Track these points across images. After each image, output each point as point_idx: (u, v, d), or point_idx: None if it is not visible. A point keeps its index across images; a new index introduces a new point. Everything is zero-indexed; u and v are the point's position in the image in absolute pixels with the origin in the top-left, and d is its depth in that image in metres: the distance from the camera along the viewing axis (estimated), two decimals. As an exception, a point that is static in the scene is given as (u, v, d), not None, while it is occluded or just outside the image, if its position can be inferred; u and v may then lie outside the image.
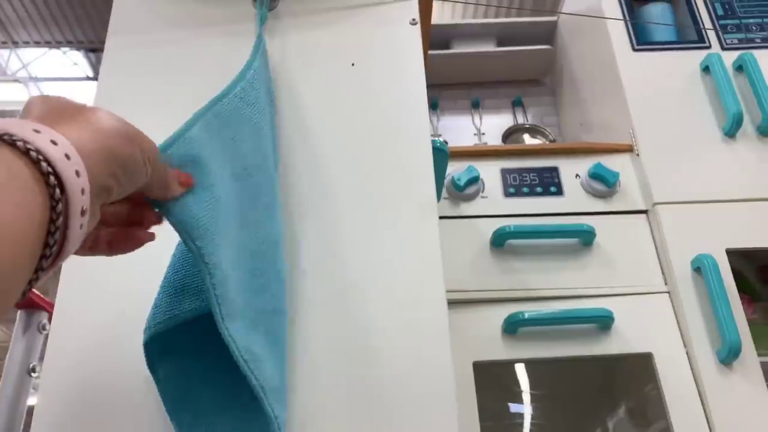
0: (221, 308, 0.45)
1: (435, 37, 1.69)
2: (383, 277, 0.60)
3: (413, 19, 0.76)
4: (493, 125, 1.67)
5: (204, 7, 0.76)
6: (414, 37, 0.75)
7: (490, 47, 1.67)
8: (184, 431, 0.50)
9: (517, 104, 1.69)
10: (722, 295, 1.01)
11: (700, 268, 1.05)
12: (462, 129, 1.67)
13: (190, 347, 0.51)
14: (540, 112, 1.69)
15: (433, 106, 1.68)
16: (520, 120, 1.67)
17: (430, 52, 1.65)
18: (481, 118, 1.68)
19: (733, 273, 1.07)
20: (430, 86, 1.77)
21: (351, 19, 0.75)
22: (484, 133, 1.66)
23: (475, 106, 1.69)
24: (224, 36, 0.74)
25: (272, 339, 0.51)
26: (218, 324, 0.45)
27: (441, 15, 3.68)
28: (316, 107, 0.70)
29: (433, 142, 0.86)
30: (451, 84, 1.71)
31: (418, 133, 0.70)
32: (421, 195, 0.66)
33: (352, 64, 0.72)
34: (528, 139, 1.57)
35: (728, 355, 0.98)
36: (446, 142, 1.60)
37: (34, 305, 1.35)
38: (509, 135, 1.60)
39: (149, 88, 0.71)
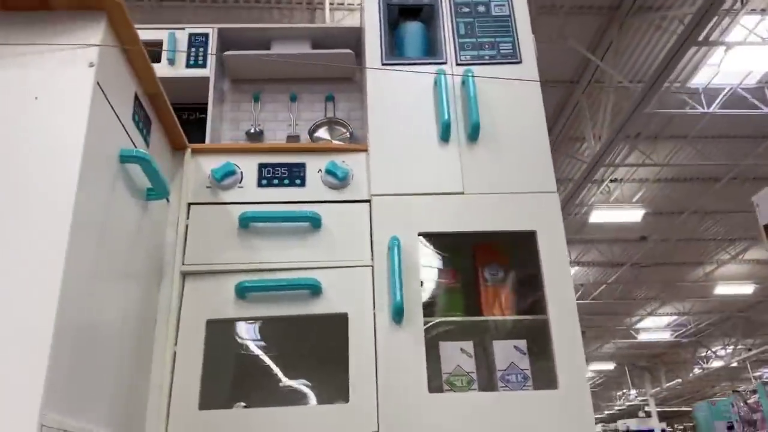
0: None
1: (257, 38, 1.93)
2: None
3: (90, 63, 1.00)
4: (308, 118, 1.92)
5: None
6: (88, 77, 0.99)
7: (305, 49, 1.92)
8: None
9: (329, 99, 1.95)
10: (398, 269, 1.29)
11: (390, 247, 1.33)
12: (280, 121, 1.93)
13: None
14: (349, 107, 1.95)
15: (256, 99, 1.93)
16: (330, 114, 1.93)
17: (251, 51, 1.90)
18: (297, 112, 1.93)
19: (447, 250, 1.36)
20: (254, 81, 2.03)
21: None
22: (298, 124, 1.91)
23: (293, 100, 1.94)
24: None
25: None
26: None
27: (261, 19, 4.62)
28: None
29: (136, 151, 1.13)
30: (272, 79, 1.95)
31: (68, 151, 0.95)
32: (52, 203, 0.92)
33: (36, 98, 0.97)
34: (324, 133, 1.83)
35: (395, 315, 1.27)
36: (261, 132, 1.85)
37: None
38: (316, 129, 1.86)
39: None
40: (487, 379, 1.34)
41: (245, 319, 1.32)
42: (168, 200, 1.37)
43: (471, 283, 1.47)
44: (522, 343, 1.35)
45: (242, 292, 1.32)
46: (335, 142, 1.80)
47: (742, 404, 7.47)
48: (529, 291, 1.42)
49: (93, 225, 0.99)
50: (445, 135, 1.46)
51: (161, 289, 1.32)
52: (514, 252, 1.49)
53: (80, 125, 0.96)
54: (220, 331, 1.31)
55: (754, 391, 7.30)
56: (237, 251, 1.38)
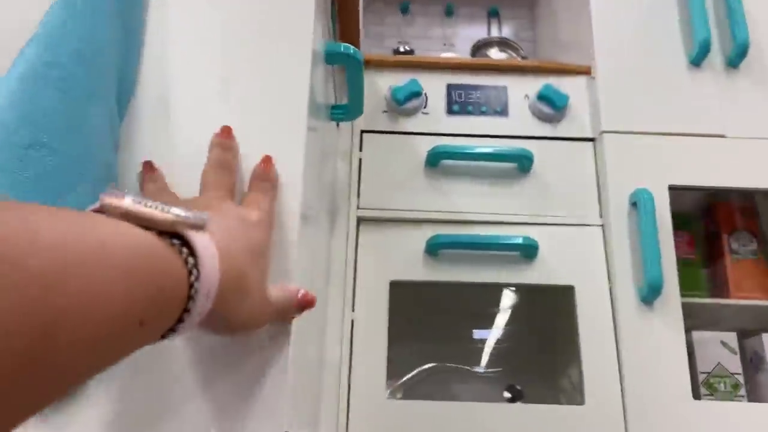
0: None
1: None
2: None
3: None
4: (465, 36, 1.57)
5: None
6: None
7: (468, -50, 1.55)
8: None
9: (492, 15, 1.58)
10: (652, 232, 0.96)
11: (637, 202, 1.00)
12: (432, 38, 1.58)
13: None
14: (516, 26, 1.59)
15: (404, 10, 1.58)
16: (494, 33, 1.57)
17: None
18: (453, 28, 1.58)
19: (679, 211, 1.03)
20: (403, -12, 1.64)
21: None
22: (453, 45, 1.56)
23: (449, 14, 1.58)
24: None
25: None
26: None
27: None
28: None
29: (345, 47, 0.80)
30: (424, -12, 1.60)
31: (298, 36, 0.63)
32: (290, 104, 0.60)
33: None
34: (495, 54, 1.48)
35: (648, 294, 0.95)
36: (411, 51, 1.52)
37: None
38: (478, 49, 1.51)
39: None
40: (757, 384, 1.02)
41: (438, 284, 1.01)
42: (338, 124, 1.06)
43: (714, 255, 1.14)
44: (803, 338, 1.02)
45: (434, 248, 1.01)
46: (546, 60, 1.42)
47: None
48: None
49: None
50: (698, 57, 1.10)
51: (333, 239, 1.01)
52: (770, 217, 1.15)
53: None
54: (404, 297, 1.01)
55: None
56: (424, 195, 1.06)
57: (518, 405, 1.05)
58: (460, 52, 1.54)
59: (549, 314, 1.10)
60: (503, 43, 1.51)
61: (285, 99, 0.56)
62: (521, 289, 1.10)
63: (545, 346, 1.11)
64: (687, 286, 1.08)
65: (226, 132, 0.48)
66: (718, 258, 1.12)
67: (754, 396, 1.01)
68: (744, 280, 1.09)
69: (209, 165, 0.47)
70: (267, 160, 0.49)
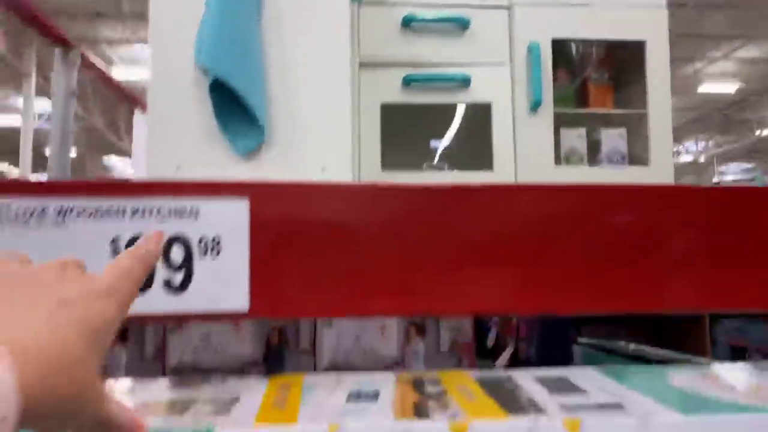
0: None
1: None
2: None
3: None
4: None
5: None
6: None
7: None
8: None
9: None
10: (538, 71, 1.61)
11: (531, 50, 1.64)
12: None
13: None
14: None
15: None
16: None
17: None
18: None
19: (565, 54, 1.67)
20: None
21: None
22: None
23: None
24: None
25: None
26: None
27: None
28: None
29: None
30: None
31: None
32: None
33: None
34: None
35: (533, 107, 1.62)
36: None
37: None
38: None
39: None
40: (594, 158, 1.74)
41: (410, 105, 1.65)
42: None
43: (581, 83, 1.81)
44: (623, 131, 1.73)
45: (408, 82, 1.64)
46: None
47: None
48: (632, 91, 1.76)
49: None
50: (577, -50, 1.67)
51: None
52: (618, 60, 1.81)
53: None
54: (390, 114, 1.65)
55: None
56: (401, 48, 1.67)
57: (456, 172, 1.76)
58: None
59: (478, 124, 1.76)
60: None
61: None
62: (461, 107, 1.75)
63: (474, 139, 1.79)
64: (561, 102, 1.76)
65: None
66: (584, 84, 1.80)
67: (591, 164, 1.74)
68: (597, 97, 1.78)
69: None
70: (156, 235, 0.39)
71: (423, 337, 0.79)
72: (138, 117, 2.74)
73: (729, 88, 10.90)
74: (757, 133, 12.16)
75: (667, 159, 1.67)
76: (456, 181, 1.62)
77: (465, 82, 1.65)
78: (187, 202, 0.65)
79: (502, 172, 1.63)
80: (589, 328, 0.94)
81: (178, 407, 0.53)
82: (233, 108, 1.12)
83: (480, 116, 1.67)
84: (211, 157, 1.16)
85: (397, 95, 1.66)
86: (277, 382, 0.62)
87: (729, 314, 1.07)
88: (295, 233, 0.64)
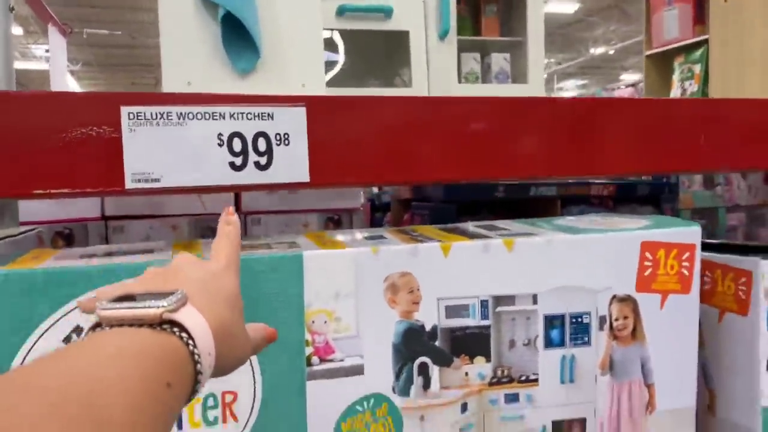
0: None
1: None
2: None
3: None
4: None
5: None
6: None
7: None
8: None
9: None
10: (447, 2, 2.00)
11: (440, -12, 2.02)
12: None
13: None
14: None
15: None
16: None
17: None
18: None
19: None
20: None
21: None
22: None
23: None
24: None
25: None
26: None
27: None
28: None
29: None
30: None
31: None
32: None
33: None
34: None
35: (442, 34, 2.02)
36: None
37: None
38: None
39: None
40: (486, 77, 2.20)
41: (343, 30, 1.98)
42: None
43: (476, 14, 2.23)
44: (507, 55, 2.19)
45: (341, 12, 1.96)
46: None
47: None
48: (513, 22, 2.22)
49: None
50: None
51: (290, 6, 1.90)
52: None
53: None
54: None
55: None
56: (334, -19, 1.96)
57: (384, 88, 2.13)
58: None
59: (396, 50, 2.13)
60: None
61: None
62: (384, 35, 2.10)
63: (394, 61, 2.16)
64: (461, 31, 2.18)
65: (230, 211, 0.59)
66: (478, 16, 2.22)
67: (484, 82, 2.19)
68: (487, 26, 2.22)
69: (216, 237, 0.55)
70: (228, 210, 0.59)
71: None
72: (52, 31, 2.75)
73: (569, 8, 11.95)
74: (591, 51, 13.51)
75: (540, 78, 2.16)
76: (382, 95, 2.00)
77: (388, 13, 2.00)
78: (266, 109, 1.00)
79: (419, 88, 2.04)
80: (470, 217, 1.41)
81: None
82: (234, 33, 1.40)
83: (403, 42, 2.04)
84: (215, 74, 1.44)
85: (333, 23, 1.97)
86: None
87: (576, 201, 1.61)
88: (336, 130, 1.02)
